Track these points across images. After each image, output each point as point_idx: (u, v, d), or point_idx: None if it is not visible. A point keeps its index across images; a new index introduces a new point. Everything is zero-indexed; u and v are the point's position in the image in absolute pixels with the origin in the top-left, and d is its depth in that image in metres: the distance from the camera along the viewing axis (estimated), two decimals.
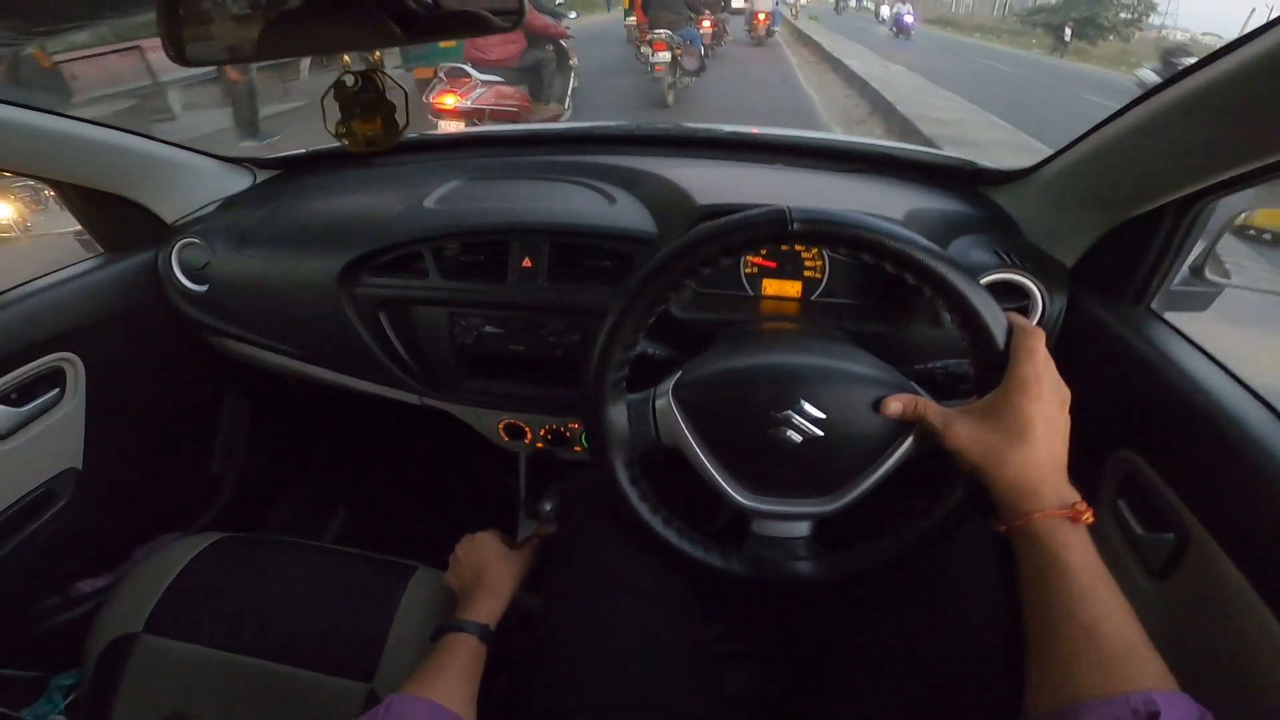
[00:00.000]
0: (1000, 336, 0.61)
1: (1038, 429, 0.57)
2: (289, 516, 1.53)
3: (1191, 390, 0.69)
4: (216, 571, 0.93)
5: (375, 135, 0.62)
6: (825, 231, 0.62)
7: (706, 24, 8.39)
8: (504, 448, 1.16)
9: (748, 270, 0.98)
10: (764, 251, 0.97)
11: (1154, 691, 0.45)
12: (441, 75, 4.71)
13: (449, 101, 4.50)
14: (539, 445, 1.12)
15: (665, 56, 6.66)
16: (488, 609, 0.82)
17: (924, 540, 0.68)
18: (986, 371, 0.61)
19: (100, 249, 1.14)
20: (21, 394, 0.97)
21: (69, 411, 1.03)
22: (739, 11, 14.63)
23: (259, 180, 1.28)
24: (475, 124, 4.56)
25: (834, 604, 0.82)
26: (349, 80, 0.61)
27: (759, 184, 1.11)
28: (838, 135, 1.40)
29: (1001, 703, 0.62)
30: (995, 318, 0.61)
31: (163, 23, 0.60)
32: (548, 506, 1.09)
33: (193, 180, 1.19)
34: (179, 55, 0.61)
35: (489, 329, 1.02)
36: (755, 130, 1.28)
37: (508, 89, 5.07)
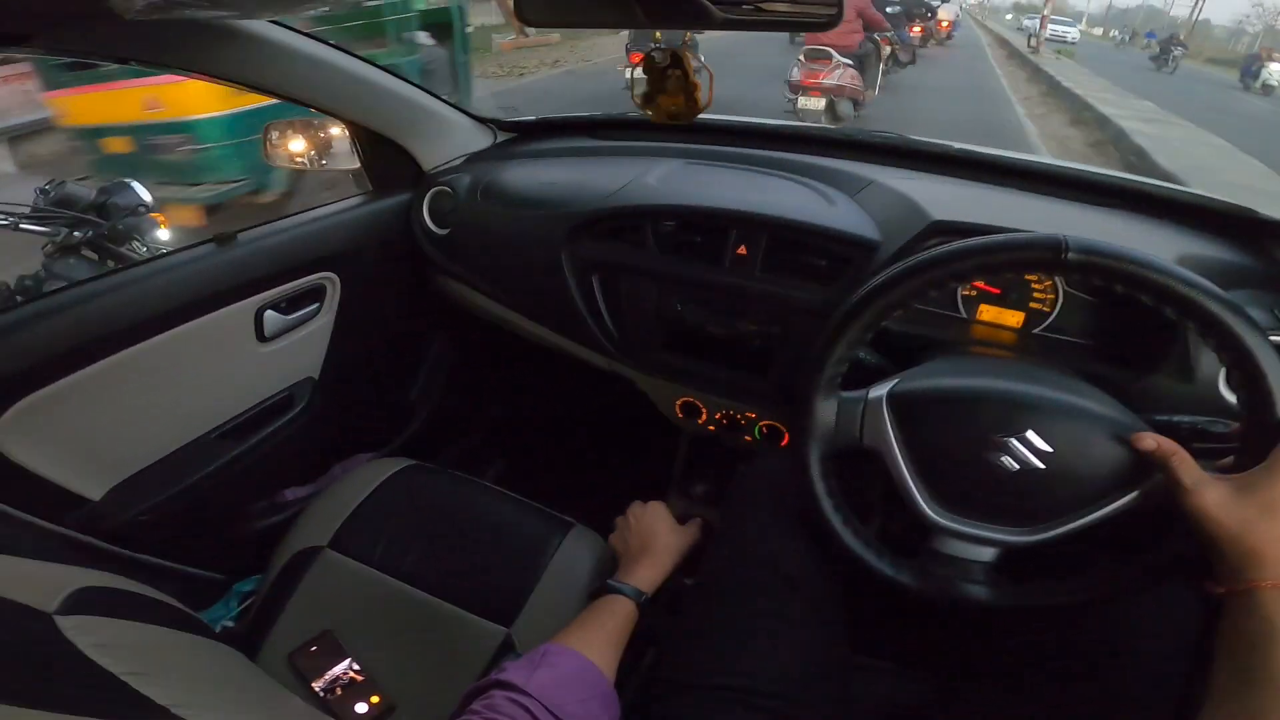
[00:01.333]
0: None
1: None
2: (460, 453, 1.66)
3: None
4: (400, 497, 0.99)
5: (678, 109, 0.66)
6: (1105, 266, 0.60)
7: (916, 29, 10.03)
8: (676, 423, 1.19)
9: (965, 292, 0.94)
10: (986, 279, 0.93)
11: None
12: (802, 57, 5.72)
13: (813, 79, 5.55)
14: (710, 428, 1.14)
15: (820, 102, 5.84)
16: (649, 577, 0.87)
17: (1112, 591, 0.65)
18: (1256, 438, 0.57)
19: (369, 185, 1.30)
20: (290, 304, 1.12)
21: (323, 324, 1.19)
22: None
23: (499, 140, 1.40)
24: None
25: (981, 625, 0.80)
26: (658, 57, 0.65)
27: (995, 206, 1.05)
28: (1085, 166, 1.29)
29: None
30: None
31: None
32: (700, 489, 1.11)
33: (450, 133, 1.32)
34: (525, 13, 0.67)
35: (693, 306, 1.05)
36: (988, 150, 1.23)
37: (855, 72, 5.94)
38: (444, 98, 1.31)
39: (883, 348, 0.85)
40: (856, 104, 6.24)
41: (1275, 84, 18.12)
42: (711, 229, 1.02)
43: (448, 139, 1.31)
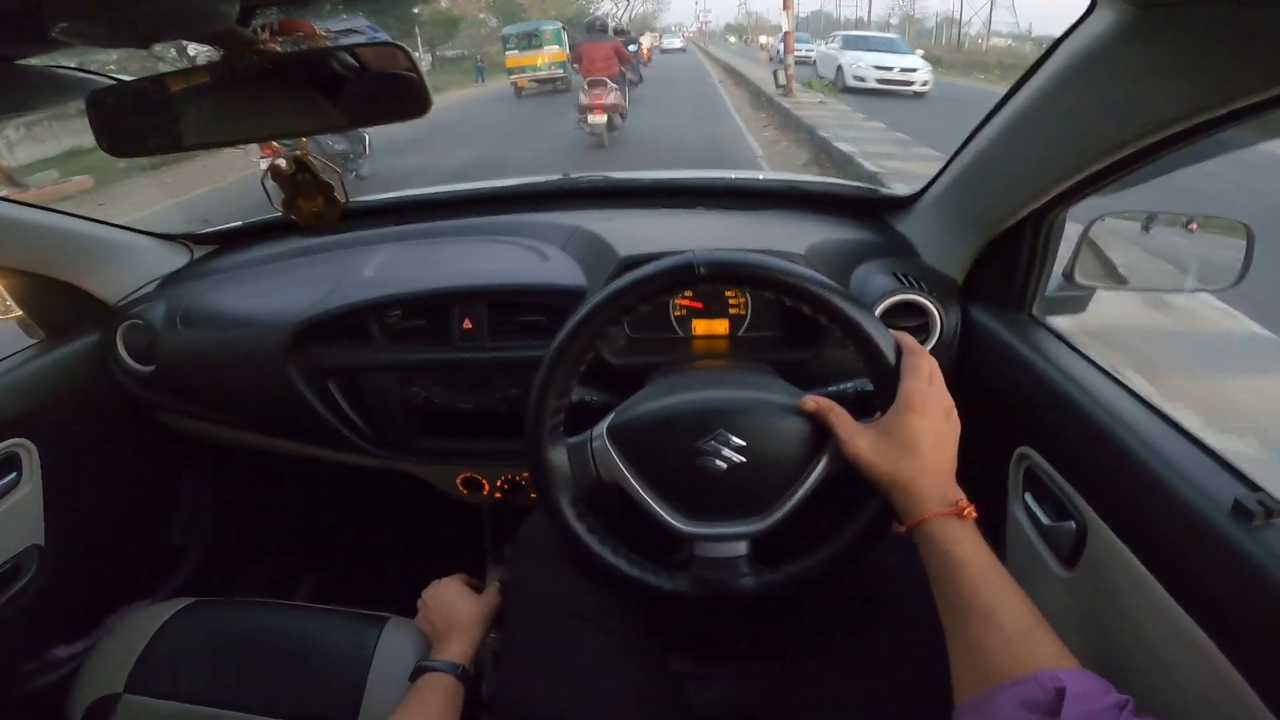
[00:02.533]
0: (890, 355, 0.67)
1: (925, 441, 0.63)
2: (259, 580, 1.53)
3: (1070, 389, 0.76)
4: (191, 633, 0.94)
5: (320, 210, 0.66)
6: (729, 274, 0.69)
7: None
8: (464, 500, 1.19)
9: (677, 313, 1.04)
10: (689, 294, 1.03)
11: (1058, 670, 0.50)
12: (585, 87, 8.11)
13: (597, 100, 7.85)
14: (497, 495, 1.15)
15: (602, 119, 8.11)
16: (459, 649, 0.86)
17: (851, 550, 0.73)
18: (884, 387, 0.68)
19: (41, 333, 1.15)
20: None
21: (27, 493, 1.04)
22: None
23: (196, 256, 1.30)
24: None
25: (796, 619, 0.86)
26: (284, 165, 0.66)
27: (677, 231, 1.18)
28: (751, 174, 1.51)
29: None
30: (883, 338, 0.67)
31: (93, 113, 0.63)
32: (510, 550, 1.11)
33: (130, 259, 1.21)
34: (113, 147, 0.65)
35: (437, 389, 1.05)
36: (676, 175, 1.36)
37: (619, 92, 8.44)
38: (116, 223, 1.20)
39: (613, 384, 0.90)
40: (622, 116, 8.64)
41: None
42: (434, 310, 1.03)
43: (130, 266, 1.20)
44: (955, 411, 0.67)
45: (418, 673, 0.82)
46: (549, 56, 16.26)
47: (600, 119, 7.96)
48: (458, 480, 1.14)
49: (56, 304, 1.13)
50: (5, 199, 1.01)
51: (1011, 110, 0.77)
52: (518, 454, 1.05)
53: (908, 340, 0.68)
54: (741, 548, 0.73)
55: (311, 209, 0.67)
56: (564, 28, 17.17)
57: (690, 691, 0.86)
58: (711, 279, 0.69)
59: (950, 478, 0.64)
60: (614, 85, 8.27)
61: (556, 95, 15.71)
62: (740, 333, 1.03)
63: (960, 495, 0.62)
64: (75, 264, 1.13)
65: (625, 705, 0.72)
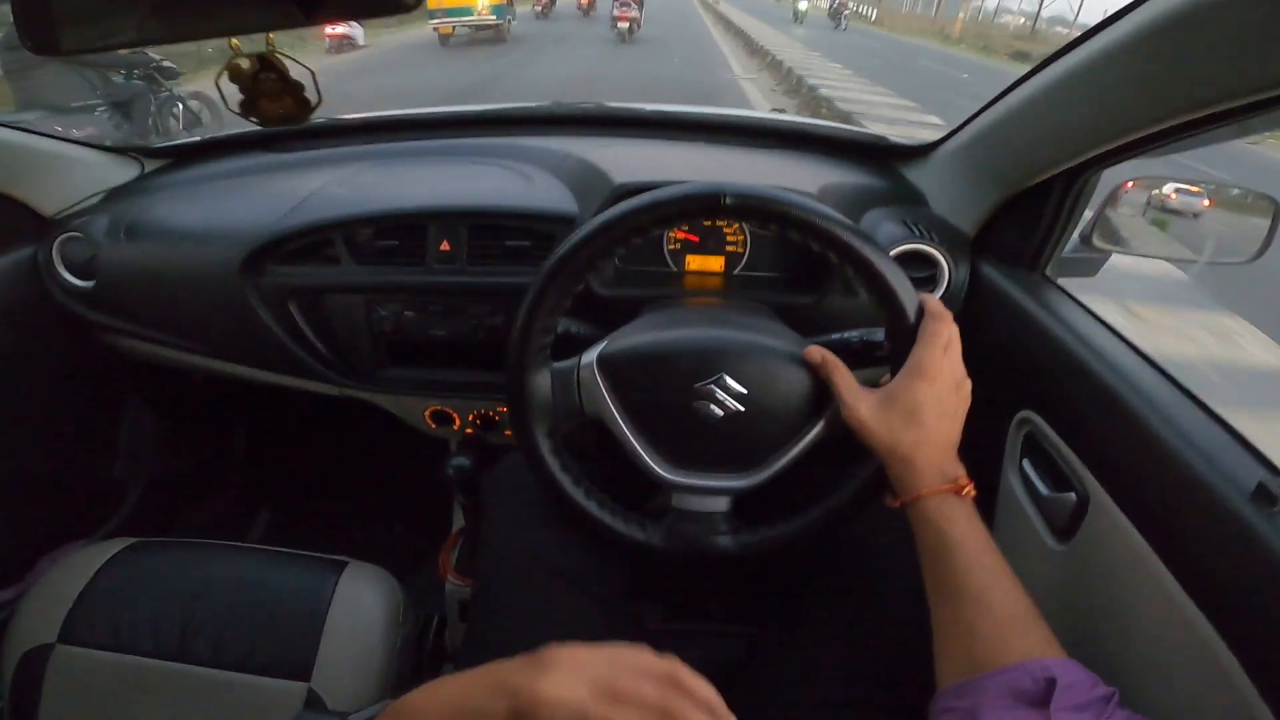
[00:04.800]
0: (912, 312, 0.63)
1: (930, 412, 0.60)
2: (207, 519, 1.47)
3: (1082, 352, 0.73)
4: (130, 577, 0.88)
5: (288, 111, 0.58)
6: (756, 208, 0.64)
7: None
8: (432, 435, 1.13)
9: (671, 246, 0.99)
10: (687, 227, 0.98)
11: (1048, 659, 0.49)
12: (616, 5, 14.71)
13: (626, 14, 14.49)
14: (468, 431, 1.11)
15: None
16: None
17: (835, 517, 0.70)
18: (898, 344, 0.64)
19: None
20: None
21: None
22: None
23: (147, 170, 1.20)
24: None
25: (778, 575, 0.84)
26: (244, 64, 0.57)
27: (678, 161, 1.12)
28: (755, 112, 1.44)
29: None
30: (908, 294, 0.63)
31: (18, 5, 0.53)
32: (451, 470, 1.06)
33: (73, 172, 1.11)
34: (46, 44, 0.55)
35: (408, 314, 0.99)
36: (676, 109, 1.29)
37: (639, 12, 14.69)
38: (61, 134, 1.11)
39: (600, 316, 0.85)
40: (638, 25, 14.75)
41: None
42: (409, 230, 0.96)
43: (71, 178, 1.10)
44: (968, 384, 0.64)
45: None
46: None
47: (625, 25, 14.61)
48: (426, 414, 1.09)
49: None
50: None
51: (1068, 64, 0.71)
52: (492, 387, 1.02)
53: (932, 303, 0.65)
54: (723, 504, 0.71)
55: (277, 109, 0.59)
56: None
57: (665, 650, 0.83)
58: (737, 212, 0.64)
59: (952, 453, 0.61)
60: (635, 6, 14.72)
61: (491, 45, 14.16)
62: (736, 271, 0.99)
63: (961, 471, 0.59)
64: (11, 175, 1.04)
65: None
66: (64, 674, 0.80)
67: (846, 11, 27.17)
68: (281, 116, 0.58)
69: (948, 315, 0.64)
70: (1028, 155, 0.83)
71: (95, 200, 1.10)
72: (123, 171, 1.17)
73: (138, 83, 5.03)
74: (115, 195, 1.12)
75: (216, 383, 1.16)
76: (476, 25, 14.29)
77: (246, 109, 0.59)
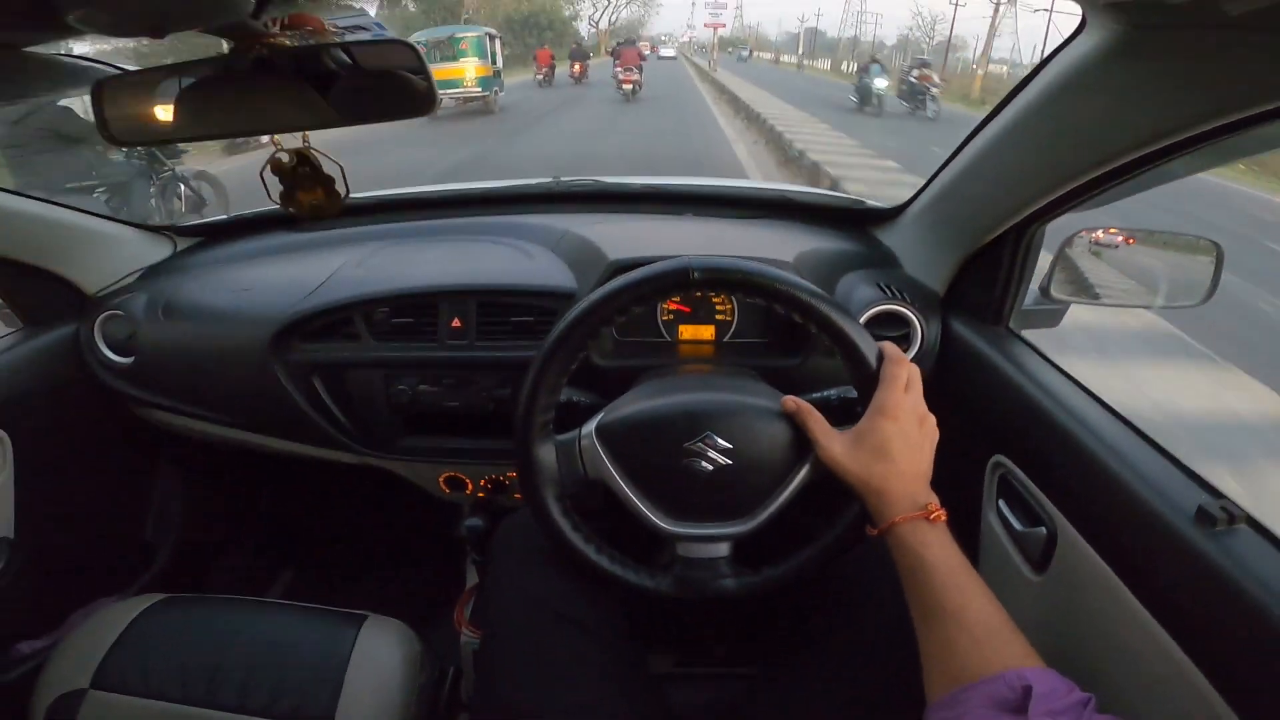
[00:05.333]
0: (873, 362, 0.69)
1: (896, 446, 0.64)
2: (231, 578, 1.50)
3: (1043, 399, 0.79)
4: (160, 629, 0.92)
5: (320, 203, 0.66)
6: (722, 279, 0.71)
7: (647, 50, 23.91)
8: (446, 499, 1.18)
9: (664, 318, 1.05)
10: (679, 299, 1.05)
11: (1025, 669, 0.51)
12: (620, 71, 16.49)
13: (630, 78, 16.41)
14: (480, 495, 1.15)
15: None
16: None
17: (830, 554, 0.74)
18: (866, 392, 0.69)
19: (19, 321, 1.13)
20: None
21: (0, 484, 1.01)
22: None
23: (179, 249, 1.28)
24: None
25: (775, 621, 0.86)
26: (284, 158, 0.66)
27: (667, 236, 1.20)
28: (741, 182, 1.53)
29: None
30: (868, 345, 0.69)
31: (97, 102, 0.63)
32: (465, 530, 1.10)
33: (112, 250, 1.19)
34: (114, 136, 0.65)
35: (424, 387, 1.04)
36: (666, 181, 1.38)
37: (639, 76, 16.54)
38: (98, 212, 1.19)
39: (601, 386, 0.91)
40: (640, 87, 16.56)
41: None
42: (422, 308, 1.04)
43: (110, 256, 1.18)
44: (931, 419, 0.68)
45: None
46: (474, 70, 13.73)
47: (629, 87, 16.21)
48: (440, 479, 1.14)
49: (35, 293, 1.11)
50: None
51: (999, 125, 0.79)
52: (502, 453, 1.07)
53: (889, 348, 0.70)
54: (723, 549, 0.74)
55: (311, 201, 0.67)
56: (491, 35, 14.80)
57: (670, 693, 0.87)
58: (706, 284, 0.71)
59: (922, 483, 0.65)
60: (637, 71, 16.32)
61: (479, 117, 13.68)
62: (726, 338, 1.05)
63: (932, 499, 0.63)
64: (55, 252, 1.11)
65: (605, 707, 0.73)
66: (94, 719, 0.83)
67: (934, 89, 15.48)
68: (314, 208, 0.66)
69: (904, 359, 0.69)
70: (979, 212, 0.90)
71: (133, 279, 1.18)
72: (157, 250, 1.25)
73: (137, 161, 4.70)
74: (151, 273, 1.20)
75: (242, 449, 1.21)
76: (463, 97, 14.01)
77: (286, 200, 0.67)
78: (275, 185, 0.65)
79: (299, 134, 0.65)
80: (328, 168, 0.66)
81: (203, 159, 6.01)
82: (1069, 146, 0.72)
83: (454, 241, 1.21)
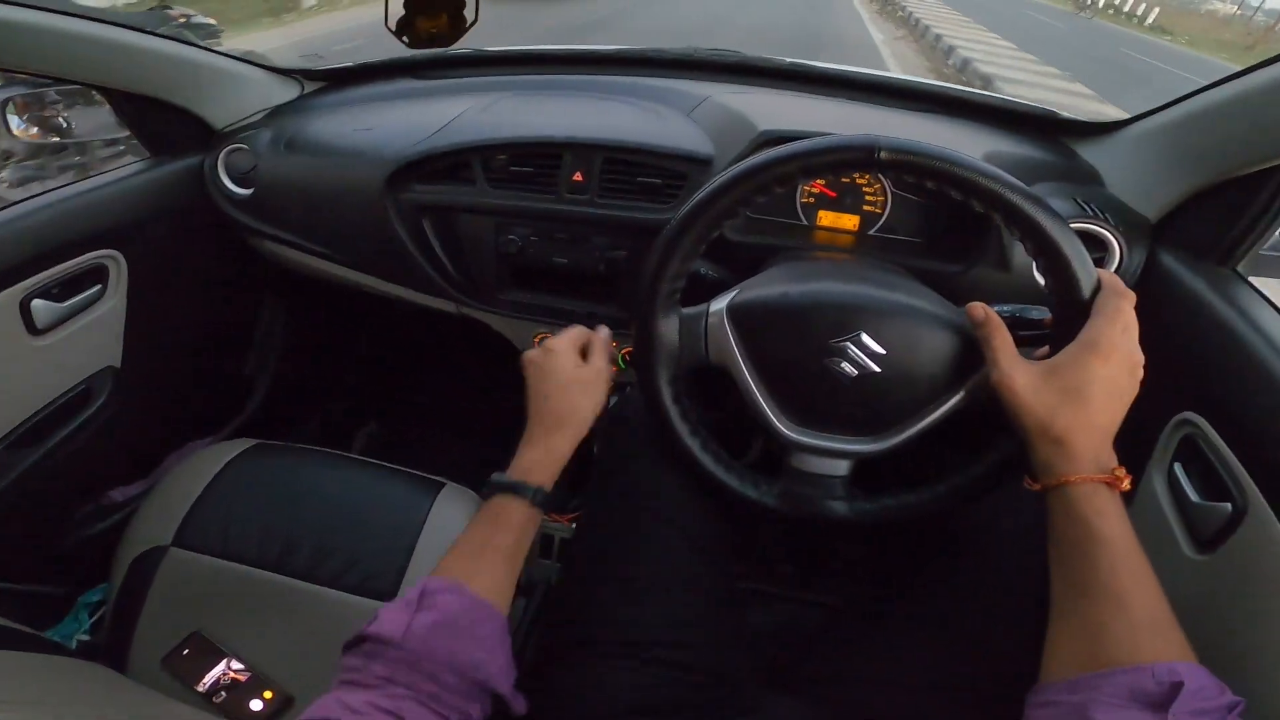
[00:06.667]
0: (1088, 288, 0.57)
1: (1098, 392, 0.54)
2: (319, 425, 1.56)
3: (1269, 356, 0.66)
4: (246, 481, 0.93)
5: (439, 30, 0.58)
6: (914, 163, 0.58)
7: None
8: None
9: (804, 199, 0.96)
10: (825, 181, 0.95)
11: (1178, 664, 0.45)
12: None
13: None
14: None
15: None
16: (555, 456, 0.70)
17: (962, 497, 0.66)
18: (1066, 322, 0.58)
19: (148, 154, 1.14)
20: (64, 289, 0.97)
21: (110, 308, 1.04)
22: None
23: (306, 90, 1.27)
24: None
25: (862, 539, 0.81)
26: None
27: (822, 114, 1.08)
28: (903, 75, 1.35)
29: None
30: (1085, 267, 0.57)
31: None
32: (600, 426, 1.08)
33: (241, 89, 1.18)
34: None
35: (534, 239, 1.01)
36: (819, 64, 1.23)
37: None
38: (233, 53, 1.17)
39: (727, 260, 0.83)
40: None
41: None
42: (544, 157, 0.98)
43: (241, 95, 1.17)
44: (1141, 369, 0.57)
45: (492, 490, 0.67)
46: None
47: None
48: (536, 339, 1.10)
49: (166, 127, 1.12)
50: (120, 24, 0.98)
51: None
52: (607, 320, 0.99)
53: (1111, 279, 0.58)
54: (843, 467, 0.67)
55: (430, 28, 0.58)
56: None
57: (749, 609, 0.82)
58: (893, 165, 0.59)
59: (1109, 440, 0.55)
60: None
61: None
62: (871, 231, 0.95)
63: (1115, 462, 0.54)
64: (188, 90, 1.11)
65: (687, 623, 0.69)
66: (172, 577, 0.84)
67: None
68: (431, 35, 0.58)
69: (1130, 294, 0.57)
70: (1246, 143, 0.75)
71: (260, 116, 1.17)
72: (285, 91, 1.24)
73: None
74: (278, 112, 1.19)
75: (346, 292, 1.22)
76: None
77: (402, 27, 0.59)
78: (397, 11, 0.58)
79: None
80: None
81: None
82: None
83: (583, 97, 1.14)
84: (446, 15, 0.57)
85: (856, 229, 0.95)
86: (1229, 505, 0.64)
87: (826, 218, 0.96)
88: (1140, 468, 0.77)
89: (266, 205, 1.12)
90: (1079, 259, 0.57)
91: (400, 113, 1.14)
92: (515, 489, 0.66)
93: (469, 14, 0.58)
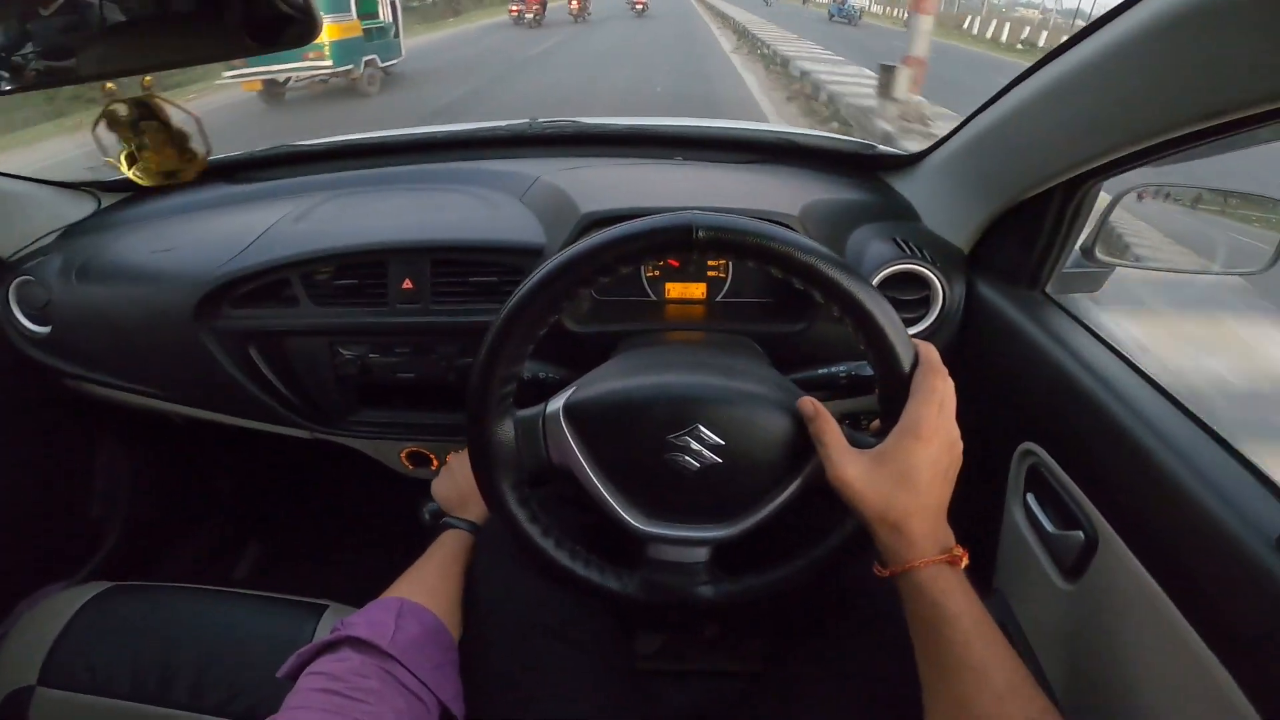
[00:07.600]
0: (907, 362, 0.57)
1: (924, 475, 0.55)
2: (191, 558, 1.43)
3: (1086, 380, 0.67)
4: (108, 620, 0.86)
5: (174, 165, 0.53)
6: (732, 242, 0.57)
7: None
8: (412, 476, 1.09)
9: (650, 274, 0.94)
10: None
11: None
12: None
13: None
14: None
15: None
16: (476, 513, 0.83)
17: (822, 569, 0.65)
18: (890, 398, 0.58)
19: None
20: None
21: None
22: None
23: (103, 205, 1.16)
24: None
25: (774, 620, 0.80)
26: (121, 110, 0.52)
27: (653, 184, 1.06)
28: (738, 123, 1.37)
29: None
30: (905, 347, 0.58)
31: None
32: (427, 514, 1.03)
33: (28, 210, 1.07)
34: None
35: (373, 356, 0.94)
36: (655, 122, 1.24)
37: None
38: (11, 173, 1.07)
39: (570, 358, 0.80)
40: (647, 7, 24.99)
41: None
42: (369, 266, 0.91)
43: (29, 216, 1.06)
44: (960, 444, 0.58)
45: (441, 528, 0.82)
46: (338, 28, 9.35)
47: (640, 8, 24.01)
48: (402, 455, 1.05)
49: None
50: None
51: (1065, 66, 0.66)
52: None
53: (928, 354, 0.59)
54: (702, 554, 0.65)
55: (162, 164, 0.53)
56: None
57: (661, 692, 0.80)
58: (711, 246, 0.57)
59: (943, 518, 0.57)
60: None
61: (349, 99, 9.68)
62: (719, 298, 0.93)
63: (952, 539, 0.56)
64: None
65: (590, 716, 0.66)
66: (46, 717, 0.79)
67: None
68: (166, 174, 0.52)
69: (944, 370, 0.58)
70: (1025, 164, 0.77)
71: (50, 239, 1.06)
72: (78, 208, 1.13)
73: None
74: (70, 233, 1.08)
75: (193, 422, 1.12)
76: (308, 76, 9.51)
77: (130, 162, 0.53)
78: (114, 145, 0.52)
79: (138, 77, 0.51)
80: (179, 120, 0.52)
81: None
82: (1162, 97, 0.58)
83: (409, 191, 1.08)
84: (174, 149, 0.52)
85: (705, 297, 0.93)
86: (1081, 533, 0.65)
87: (674, 289, 0.94)
88: (999, 501, 0.78)
89: (69, 342, 1.00)
90: (897, 334, 0.57)
91: (208, 226, 1.05)
92: (459, 525, 0.80)
93: (198, 146, 0.52)
